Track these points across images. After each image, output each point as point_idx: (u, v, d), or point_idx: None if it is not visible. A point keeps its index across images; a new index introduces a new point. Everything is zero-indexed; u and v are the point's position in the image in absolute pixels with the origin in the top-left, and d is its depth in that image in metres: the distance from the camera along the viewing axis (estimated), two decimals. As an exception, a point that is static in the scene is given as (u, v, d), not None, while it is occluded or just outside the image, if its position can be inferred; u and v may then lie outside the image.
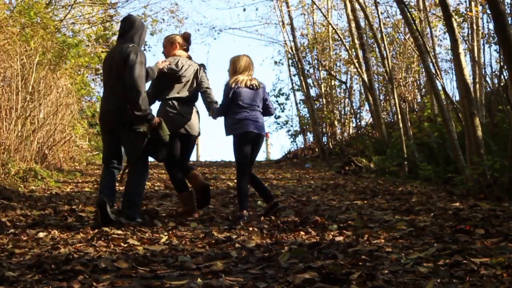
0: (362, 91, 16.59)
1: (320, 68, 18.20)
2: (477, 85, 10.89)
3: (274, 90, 20.07)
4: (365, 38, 14.22)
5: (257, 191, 5.67)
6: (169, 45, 5.63)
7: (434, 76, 8.68)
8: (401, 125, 10.87)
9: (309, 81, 17.82)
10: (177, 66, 5.41)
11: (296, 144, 19.09)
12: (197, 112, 5.57)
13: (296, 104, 18.99)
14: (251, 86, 5.46)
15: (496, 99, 10.04)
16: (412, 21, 8.73)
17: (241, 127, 5.38)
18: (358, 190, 7.75)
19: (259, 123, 5.48)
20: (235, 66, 5.52)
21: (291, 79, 19.08)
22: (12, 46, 8.60)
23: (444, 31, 13.97)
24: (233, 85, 5.40)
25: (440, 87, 8.86)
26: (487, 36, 11.75)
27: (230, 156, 22.24)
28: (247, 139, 5.40)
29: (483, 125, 8.25)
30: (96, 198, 5.03)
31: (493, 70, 12.16)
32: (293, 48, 16.84)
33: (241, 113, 5.39)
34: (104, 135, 5.24)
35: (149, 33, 15.66)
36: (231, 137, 5.48)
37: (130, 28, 5.10)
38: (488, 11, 9.46)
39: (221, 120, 5.59)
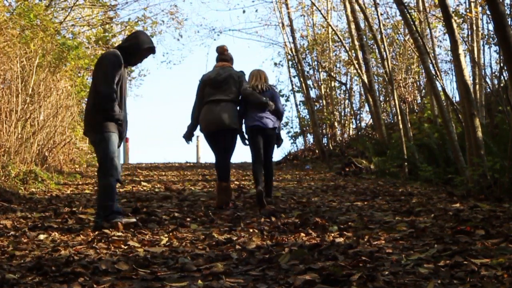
0: (362, 92, 16.59)
1: (320, 70, 18.20)
2: (477, 86, 10.89)
3: (274, 91, 20.02)
4: (365, 39, 14.22)
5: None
6: None
7: (434, 77, 8.68)
8: (401, 126, 10.86)
9: (309, 82, 17.80)
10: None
11: (296, 146, 19.05)
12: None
13: (296, 105, 18.95)
14: None
15: (496, 100, 10.03)
16: (412, 22, 8.73)
17: None
18: (358, 191, 7.74)
19: None
20: None
21: (291, 81, 19.05)
22: (12, 48, 8.59)
23: (444, 32, 13.98)
24: None
25: (440, 88, 8.85)
26: (487, 37, 11.75)
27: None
28: None
29: (483, 126, 8.25)
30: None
31: (493, 71, 12.17)
32: (293, 50, 16.81)
33: None
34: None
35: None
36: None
37: None
38: (488, 12, 9.47)
39: None
